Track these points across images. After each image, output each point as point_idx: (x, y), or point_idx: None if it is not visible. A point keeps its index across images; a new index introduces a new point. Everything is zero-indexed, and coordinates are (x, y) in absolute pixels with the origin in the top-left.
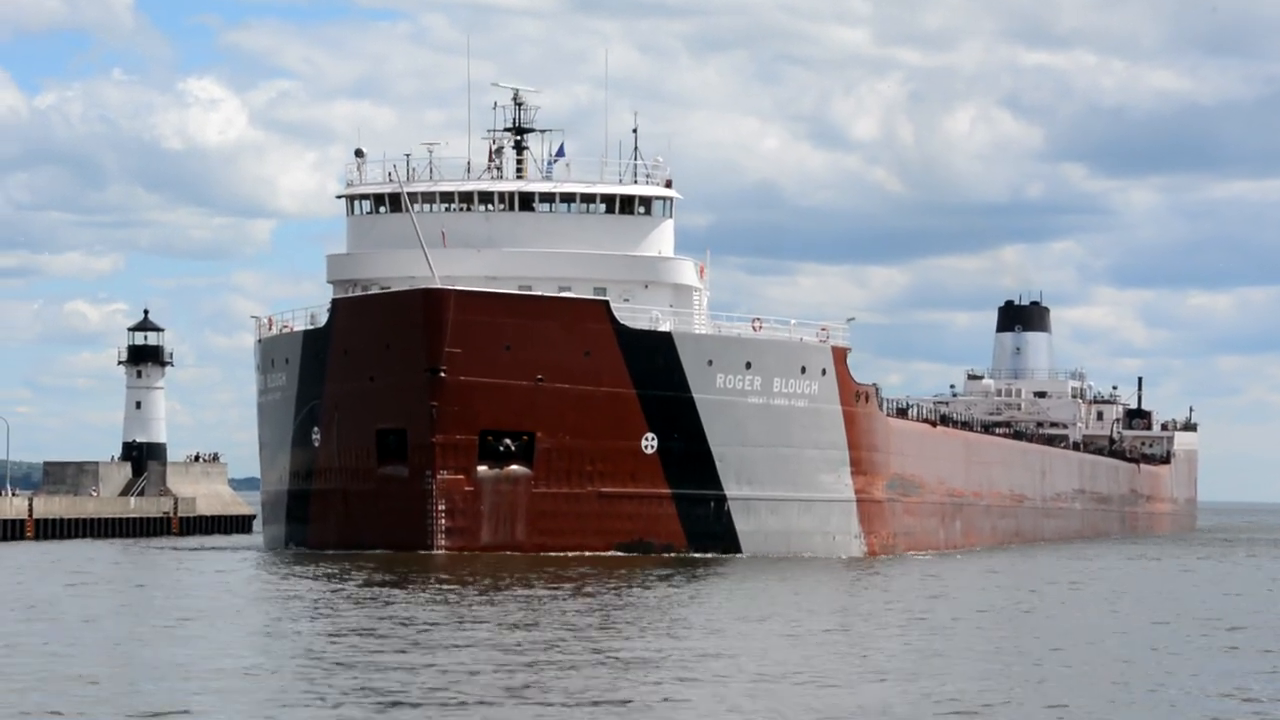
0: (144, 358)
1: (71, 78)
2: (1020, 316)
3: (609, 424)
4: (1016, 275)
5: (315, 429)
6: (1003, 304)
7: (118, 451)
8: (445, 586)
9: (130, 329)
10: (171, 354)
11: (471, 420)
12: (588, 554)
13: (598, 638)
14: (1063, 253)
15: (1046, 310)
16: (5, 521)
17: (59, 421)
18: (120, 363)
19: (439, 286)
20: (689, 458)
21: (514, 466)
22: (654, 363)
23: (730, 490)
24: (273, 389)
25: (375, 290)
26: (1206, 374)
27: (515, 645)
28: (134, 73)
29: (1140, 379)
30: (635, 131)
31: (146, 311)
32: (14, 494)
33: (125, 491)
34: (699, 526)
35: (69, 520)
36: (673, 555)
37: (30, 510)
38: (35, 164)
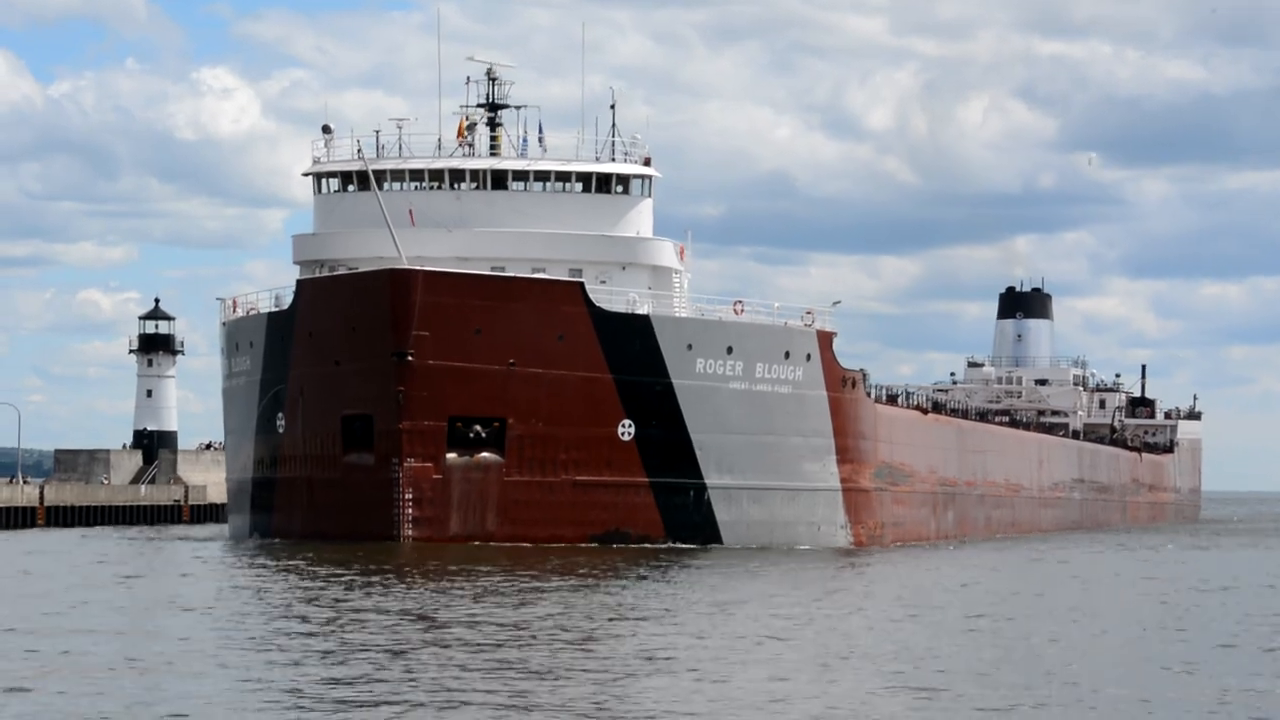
0: (155, 346)
1: (85, 67)
2: (1022, 303)
3: (584, 410)
4: (1028, 265)
5: (280, 415)
6: (1004, 290)
7: (129, 439)
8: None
9: (141, 317)
10: (183, 343)
11: (440, 406)
12: (561, 545)
13: (573, 632)
14: (1075, 243)
15: (1048, 297)
16: (16, 509)
17: (70, 409)
18: (131, 351)
19: (406, 267)
20: (667, 445)
21: (484, 454)
22: (631, 347)
23: (710, 479)
24: (237, 374)
25: (342, 271)
26: (1217, 364)
27: (496, 640)
28: (147, 62)
29: (1144, 366)
30: (613, 108)
31: (157, 300)
32: (25, 481)
33: (136, 479)
34: (678, 517)
35: (80, 508)
36: (651, 546)
37: (41, 498)
38: (48, 153)
